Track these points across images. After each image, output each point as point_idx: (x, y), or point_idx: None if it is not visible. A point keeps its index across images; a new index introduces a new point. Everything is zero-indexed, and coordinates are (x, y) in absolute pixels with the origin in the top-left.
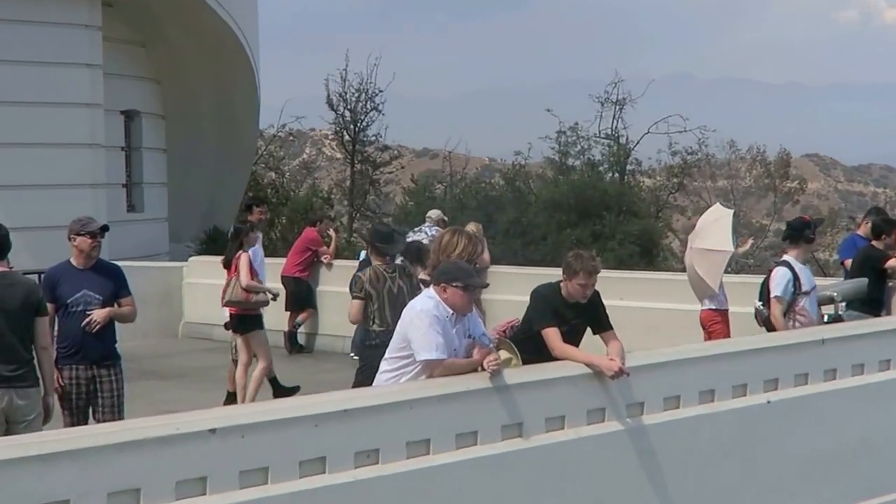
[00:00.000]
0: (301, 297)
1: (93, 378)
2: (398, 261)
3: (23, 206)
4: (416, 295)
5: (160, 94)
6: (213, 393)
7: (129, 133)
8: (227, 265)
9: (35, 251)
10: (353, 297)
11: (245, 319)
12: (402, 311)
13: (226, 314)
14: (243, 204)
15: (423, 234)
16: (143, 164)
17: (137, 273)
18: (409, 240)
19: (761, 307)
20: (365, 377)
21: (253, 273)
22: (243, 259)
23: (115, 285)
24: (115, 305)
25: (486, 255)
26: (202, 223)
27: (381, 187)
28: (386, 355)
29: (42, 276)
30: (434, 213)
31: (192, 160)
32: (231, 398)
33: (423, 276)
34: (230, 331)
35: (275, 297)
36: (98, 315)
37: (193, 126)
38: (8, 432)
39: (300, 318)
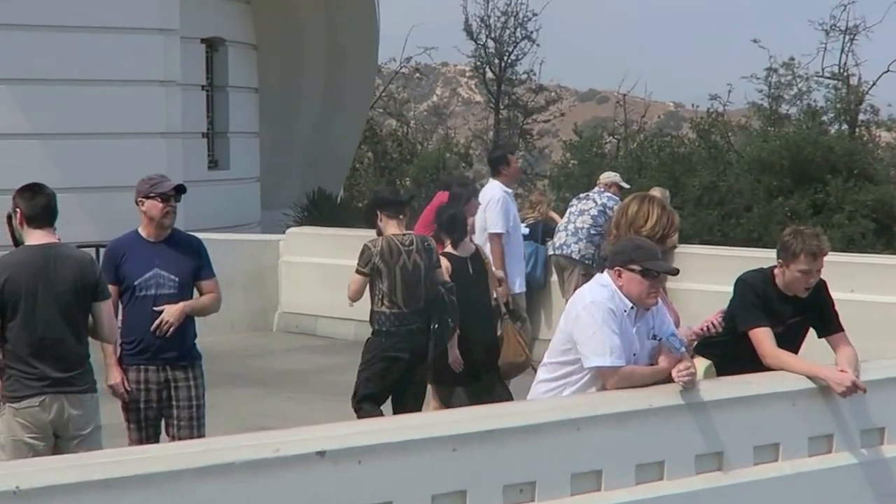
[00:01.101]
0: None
1: (166, 382)
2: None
3: (78, 161)
4: (434, 273)
5: (251, 19)
6: (318, 404)
7: (211, 67)
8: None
9: (94, 218)
10: (357, 272)
11: None
12: (416, 291)
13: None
14: (489, 158)
15: (592, 203)
16: (228, 107)
17: (221, 248)
18: (574, 207)
19: None
20: (371, 374)
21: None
22: None
23: (194, 264)
24: (195, 291)
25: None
26: (303, 184)
27: (533, 140)
28: (544, 360)
29: (101, 250)
30: (608, 177)
31: (292, 103)
32: None
33: (449, 248)
34: None
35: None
36: (171, 314)
37: (293, 59)
38: (56, 449)
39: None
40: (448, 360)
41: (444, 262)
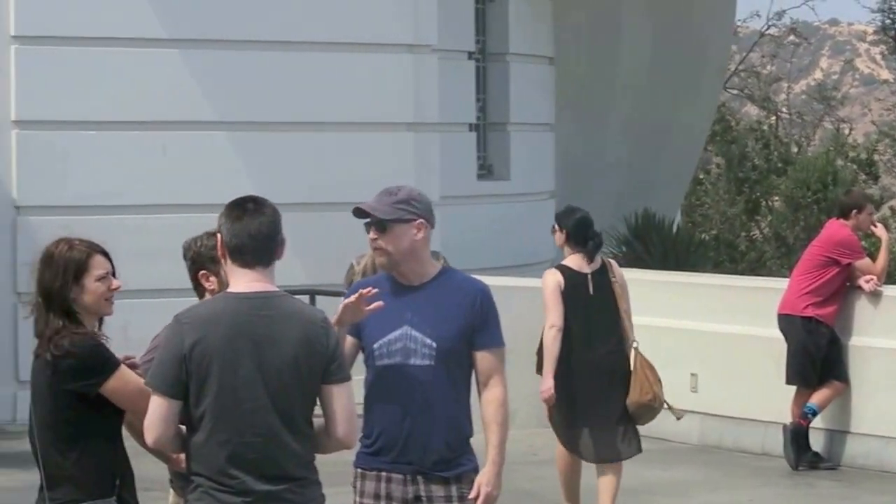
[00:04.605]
0: (817, 356)
1: (416, 501)
2: None
3: (282, 164)
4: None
5: None
6: None
7: (483, 26)
8: None
9: (306, 252)
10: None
11: None
12: None
13: None
14: None
15: None
16: (509, 86)
17: (504, 298)
18: None
19: None
20: None
21: None
22: None
23: (466, 322)
24: (471, 364)
25: None
26: (620, 204)
27: None
28: None
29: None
30: None
31: (605, 79)
32: None
33: (569, 261)
34: None
35: None
36: (492, 482)
37: (608, 12)
38: None
39: (816, 399)
40: (565, 396)
41: (555, 276)
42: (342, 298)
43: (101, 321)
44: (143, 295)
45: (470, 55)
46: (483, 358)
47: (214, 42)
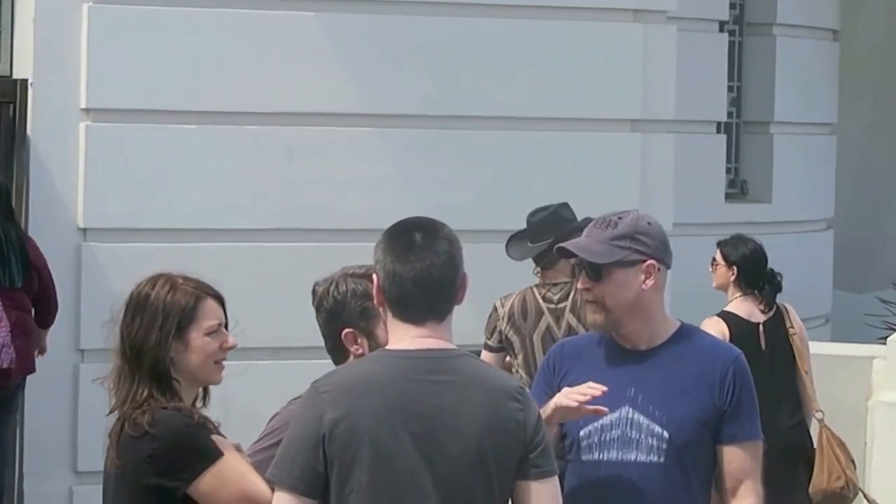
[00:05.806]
0: None
1: None
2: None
3: (463, 177)
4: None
5: None
6: None
7: None
8: None
9: (486, 297)
10: (484, 346)
11: None
12: None
13: None
14: None
15: None
16: (775, 71)
17: None
18: None
19: None
20: None
21: None
22: None
23: (711, 405)
24: (714, 461)
25: None
26: None
27: None
28: None
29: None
30: None
31: None
32: None
33: (734, 306)
34: None
35: None
36: None
37: None
38: None
39: None
40: None
41: (717, 325)
42: (484, 352)
43: (204, 392)
44: (255, 355)
45: (722, 26)
46: (732, 455)
47: (360, 4)
